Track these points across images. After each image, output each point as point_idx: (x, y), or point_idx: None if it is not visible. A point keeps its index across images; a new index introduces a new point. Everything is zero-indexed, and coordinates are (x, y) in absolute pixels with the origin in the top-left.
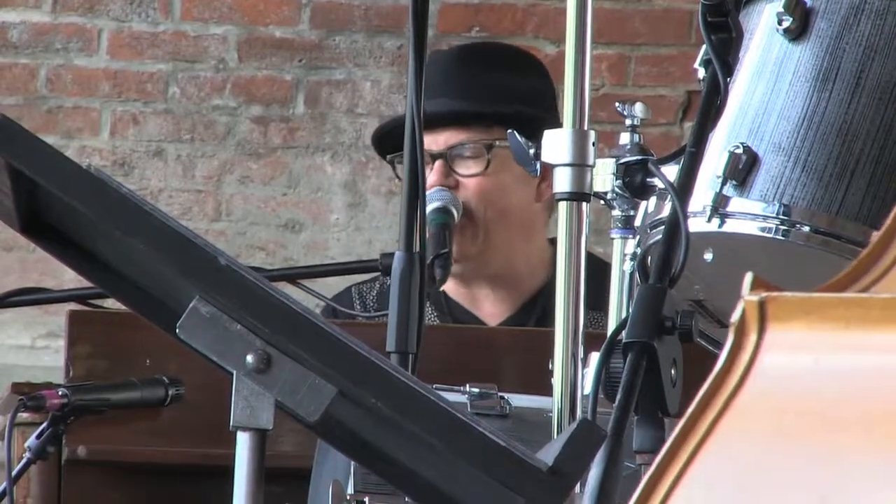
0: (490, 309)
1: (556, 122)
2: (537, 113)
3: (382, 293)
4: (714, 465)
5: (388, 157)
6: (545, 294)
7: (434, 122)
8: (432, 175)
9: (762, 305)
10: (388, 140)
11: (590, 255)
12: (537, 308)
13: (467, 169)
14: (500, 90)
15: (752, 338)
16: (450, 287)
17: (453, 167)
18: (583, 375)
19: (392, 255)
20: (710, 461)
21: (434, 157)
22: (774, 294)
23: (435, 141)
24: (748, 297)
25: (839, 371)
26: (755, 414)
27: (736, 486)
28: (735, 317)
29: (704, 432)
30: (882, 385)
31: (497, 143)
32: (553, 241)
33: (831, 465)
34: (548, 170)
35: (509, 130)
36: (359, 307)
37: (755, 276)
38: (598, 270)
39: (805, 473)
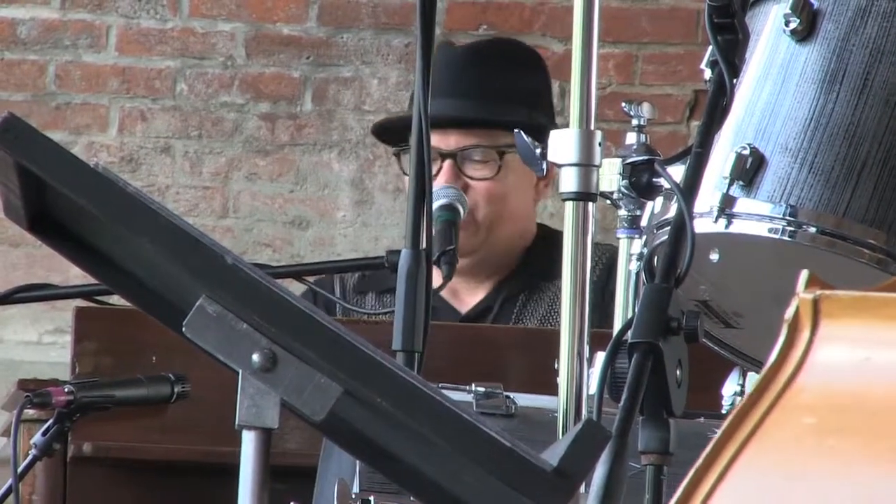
0: (466, 298)
1: (554, 124)
2: (543, 119)
3: (363, 277)
4: (763, 457)
5: (395, 149)
6: (517, 273)
7: (444, 124)
8: (441, 175)
9: (816, 303)
10: (390, 134)
11: (542, 226)
12: (504, 288)
13: (477, 172)
14: (510, 94)
15: (805, 334)
16: None
17: (462, 169)
18: (588, 375)
19: (398, 251)
20: (757, 455)
21: (444, 156)
22: (828, 292)
23: (444, 140)
24: (803, 294)
25: (887, 369)
26: (803, 409)
27: (781, 481)
28: (789, 313)
29: (754, 426)
30: None
31: (507, 149)
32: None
33: (874, 463)
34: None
35: (516, 130)
36: (338, 291)
37: (811, 274)
38: (551, 239)
39: (849, 470)
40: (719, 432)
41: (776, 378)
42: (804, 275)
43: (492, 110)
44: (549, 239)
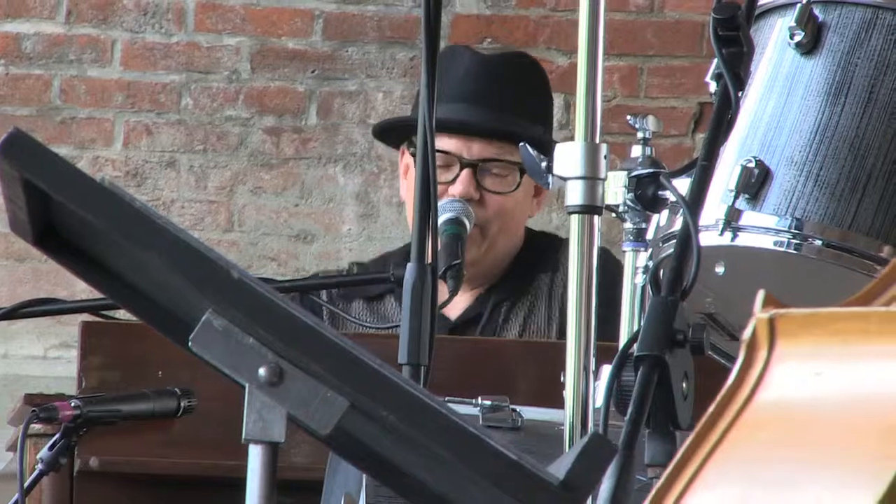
0: (453, 305)
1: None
2: (549, 138)
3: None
4: (722, 473)
5: (410, 146)
6: (503, 280)
7: (471, 131)
8: (459, 184)
9: (772, 322)
10: (396, 134)
11: (527, 230)
12: (491, 295)
13: (496, 185)
14: (533, 111)
15: (762, 354)
16: None
17: (481, 180)
18: (594, 388)
19: (396, 259)
20: (719, 469)
21: (464, 164)
22: (783, 311)
23: (467, 148)
24: (759, 314)
25: (838, 382)
26: (762, 425)
27: (741, 493)
28: (746, 334)
29: (715, 442)
30: (877, 393)
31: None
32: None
33: (821, 471)
34: (541, 188)
35: (521, 144)
36: (325, 296)
37: (766, 294)
38: (533, 242)
39: (800, 479)
40: (681, 451)
41: (735, 397)
42: (760, 295)
43: (519, 125)
44: (531, 242)
